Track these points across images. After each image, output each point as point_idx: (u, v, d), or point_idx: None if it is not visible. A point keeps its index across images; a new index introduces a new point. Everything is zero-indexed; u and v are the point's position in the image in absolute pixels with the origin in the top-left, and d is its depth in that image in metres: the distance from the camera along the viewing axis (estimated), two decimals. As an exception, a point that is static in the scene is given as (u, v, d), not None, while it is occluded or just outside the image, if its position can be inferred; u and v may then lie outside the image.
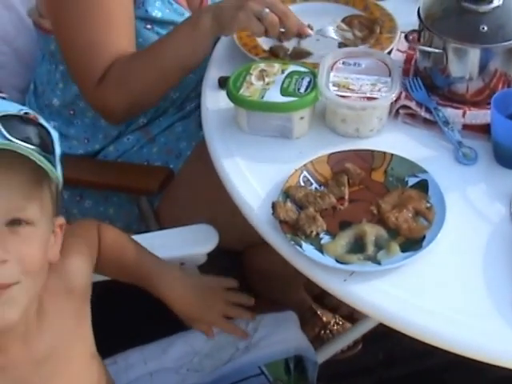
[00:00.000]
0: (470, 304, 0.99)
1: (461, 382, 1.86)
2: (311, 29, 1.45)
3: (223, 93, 1.33)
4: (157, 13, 1.47)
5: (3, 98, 0.98)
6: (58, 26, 1.42)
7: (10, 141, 0.87)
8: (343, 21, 1.50)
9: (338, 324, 1.92)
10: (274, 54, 1.42)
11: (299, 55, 1.41)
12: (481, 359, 0.94)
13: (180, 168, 1.56)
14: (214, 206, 1.46)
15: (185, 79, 1.50)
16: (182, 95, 1.61)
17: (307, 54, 1.42)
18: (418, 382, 1.85)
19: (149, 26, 1.48)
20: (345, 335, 1.85)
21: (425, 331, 0.97)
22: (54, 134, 0.95)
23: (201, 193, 1.54)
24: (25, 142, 0.88)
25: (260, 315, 1.36)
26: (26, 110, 0.94)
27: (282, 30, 1.35)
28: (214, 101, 1.36)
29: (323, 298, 1.93)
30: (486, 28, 1.22)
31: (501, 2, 1.23)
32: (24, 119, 0.91)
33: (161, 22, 1.49)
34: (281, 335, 1.34)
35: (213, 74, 1.42)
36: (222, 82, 1.37)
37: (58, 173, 0.94)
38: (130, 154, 1.59)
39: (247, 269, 1.73)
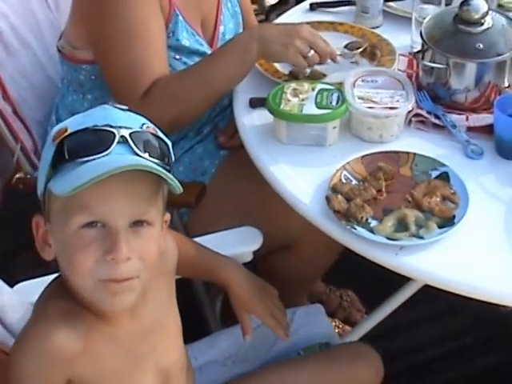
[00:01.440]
0: (497, 263, 1.28)
1: (452, 371, 2.14)
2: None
3: (255, 111, 1.61)
4: (186, 42, 1.72)
5: (124, 110, 1.10)
6: (102, 50, 1.66)
7: (140, 156, 1.02)
8: (347, 47, 1.80)
9: (338, 327, 2.18)
10: (293, 77, 1.70)
11: (316, 77, 1.70)
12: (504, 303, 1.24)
13: (207, 184, 1.80)
14: (240, 217, 1.69)
15: (210, 111, 1.77)
16: (200, 120, 1.86)
17: (322, 75, 1.71)
18: (414, 377, 2.12)
19: (178, 57, 1.73)
20: (346, 337, 2.10)
21: (464, 287, 1.26)
22: (169, 143, 1.12)
23: (228, 206, 1.78)
24: (151, 156, 1.03)
25: (293, 308, 1.62)
26: (145, 122, 1.09)
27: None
28: (249, 118, 1.63)
29: (322, 304, 2.19)
30: (481, 45, 1.54)
31: (491, 24, 1.55)
32: (148, 133, 1.06)
33: (188, 52, 1.73)
34: (313, 324, 1.60)
35: (241, 96, 1.69)
36: (254, 102, 1.65)
37: (175, 180, 1.08)
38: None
39: (262, 273, 1.98)
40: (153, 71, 1.63)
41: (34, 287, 1.36)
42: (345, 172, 1.44)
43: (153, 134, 1.07)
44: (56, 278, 1.16)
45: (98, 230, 1.02)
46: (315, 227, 1.54)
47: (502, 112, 1.46)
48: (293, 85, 1.57)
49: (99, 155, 1.01)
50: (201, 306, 1.85)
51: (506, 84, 1.60)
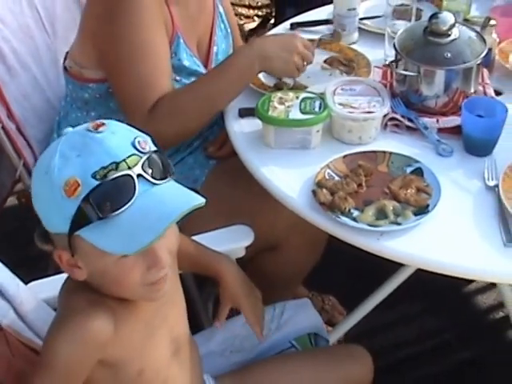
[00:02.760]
0: (467, 244, 1.49)
1: (430, 367, 2.32)
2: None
3: (244, 120, 1.82)
4: (186, 62, 1.92)
5: (103, 131, 1.17)
6: (114, 69, 1.84)
7: (159, 183, 1.15)
8: (326, 62, 2.03)
9: (322, 329, 2.37)
10: (278, 89, 1.91)
11: (298, 88, 1.92)
12: (479, 279, 1.44)
13: (198, 190, 1.99)
14: (230, 219, 1.85)
15: None
16: (194, 136, 2.06)
17: (304, 87, 1.93)
18: (393, 373, 2.29)
19: (178, 78, 1.91)
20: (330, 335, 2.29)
21: (438, 264, 1.46)
22: (158, 147, 1.21)
23: (218, 209, 1.95)
24: (167, 177, 1.18)
25: (283, 302, 1.80)
26: (136, 136, 1.18)
27: None
28: (238, 126, 1.84)
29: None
30: (449, 55, 1.76)
31: (457, 36, 1.78)
32: (149, 154, 1.16)
33: (188, 73, 1.93)
34: (303, 315, 1.78)
35: (231, 107, 1.90)
36: (243, 112, 1.86)
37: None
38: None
39: (250, 274, 2.15)
40: (159, 88, 1.81)
41: (45, 285, 1.57)
42: (328, 170, 1.65)
43: (151, 151, 1.18)
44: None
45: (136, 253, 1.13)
46: (300, 229, 1.75)
47: (469, 113, 1.68)
48: (279, 94, 1.78)
49: (129, 203, 1.12)
50: (193, 305, 2.02)
51: (473, 90, 1.82)
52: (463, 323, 2.43)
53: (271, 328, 1.71)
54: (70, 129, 1.19)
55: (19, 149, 2.01)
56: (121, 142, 1.16)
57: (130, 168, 1.13)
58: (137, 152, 1.15)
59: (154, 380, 1.36)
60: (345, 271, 2.47)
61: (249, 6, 4.23)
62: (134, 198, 1.12)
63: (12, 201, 2.30)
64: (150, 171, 1.15)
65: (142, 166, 1.14)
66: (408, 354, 2.34)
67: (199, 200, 1.17)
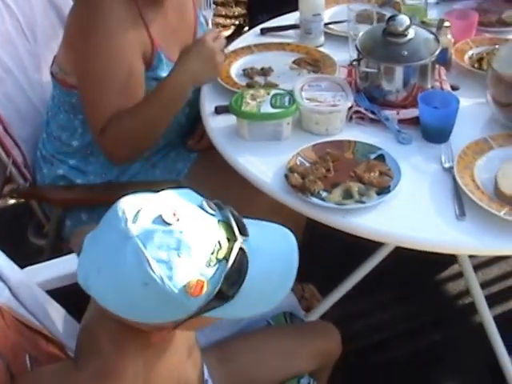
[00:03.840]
0: (424, 220, 1.69)
1: (402, 349, 2.53)
2: (272, 70, 2.19)
3: (220, 116, 2.03)
4: (163, 73, 2.11)
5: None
6: (79, 82, 2.07)
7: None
8: (294, 63, 2.25)
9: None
10: (250, 87, 2.13)
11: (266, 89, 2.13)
12: (435, 250, 1.65)
13: (182, 181, 2.21)
14: None
15: (178, 123, 2.19)
16: (175, 134, 2.27)
17: (274, 85, 2.14)
18: (368, 356, 2.51)
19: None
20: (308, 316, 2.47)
21: (399, 238, 1.67)
22: None
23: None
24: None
25: None
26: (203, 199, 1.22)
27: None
28: (215, 122, 2.05)
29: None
30: (406, 53, 1.99)
31: (413, 36, 2.01)
32: (214, 211, 1.21)
33: None
34: None
35: (207, 105, 2.11)
36: (219, 109, 2.07)
37: None
38: (138, 177, 2.23)
39: None
40: (113, 109, 2.02)
41: (39, 270, 1.76)
42: (299, 157, 1.86)
43: (217, 208, 1.23)
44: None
45: None
46: (278, 210, 1.96)
47: (425, 105, 1.91)
48: (251, 91, 2.00)
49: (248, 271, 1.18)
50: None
51: (429, 85, 2.05)
52: (433, 309, 2.64)
53: (249, 307, 1.90)
54: (135, 231, 1.14)
55: (8, 148, 2.18)
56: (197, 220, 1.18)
57: (234, 240, 1.16)
58: (210, 215, 1.18)
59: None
60: (323, 261, 2.68)
61: (225, 16, 4.50)
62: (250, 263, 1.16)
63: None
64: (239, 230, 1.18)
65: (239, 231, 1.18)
66: (381, 338, 2.54)
67: (290, 235, 1.24)
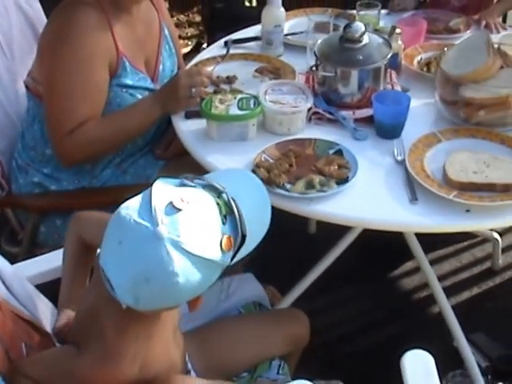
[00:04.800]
0: (379, 204, 1.91)
1: (364, 341, 2.75)
2: (236, 78, 2.41)
3: (190, 121, 2.24)
4: (129, 81, 2.32)
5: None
6: (46, 87, 2.26)
7: None
8: (257, 71, 2.48)
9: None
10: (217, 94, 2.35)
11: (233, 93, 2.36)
12: (391, 229, 1.88)
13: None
14: None
15: (147, 131, 2.40)
16: (145, 141, 2.47)
17: (238, 92, 2.37)
18: (332, 348, 2.70)
19: (124, 90, 2.32)
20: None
21: (356, 220, 1.91)
22: None
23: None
24: None
25: (229, 277, 2.15)
26: (183, 185, 1.38)
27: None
28: (186, 126, 2.26)
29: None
30: (361, 57, 2.22)
31: (368, 41, 2.24)
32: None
33: (132, 87, 2.34)
34: (248, 287, 2.16)
35: (177, 111, 2.32)
36: (189, 114, 2.28)
37: None
38: (110, 183, 2.43)
39: None
40: (80, 116, 2.23)
41: (27, 266, 1.96)
42: (264, 155, 2.07)
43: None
44: None
45: None
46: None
47: (379, 103, 2.14)
48: (219, 96, 2.21)
49: None
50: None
51: (382, 87, 2.28)
52: (392, 303, 2.87)
53: (221, 298, 2.09)
54: (163, 231, 1.29)
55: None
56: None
57: (221, 195, 1.39)
58: (195, 187, 1.40)
59: (164, 367, 1.59)
60: (283, 263, 2.89)
61: (179, 37, 4.73)
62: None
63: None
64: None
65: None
66: (345, 331, 2.75)
67: (249, 173, 1.61)
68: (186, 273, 1.30)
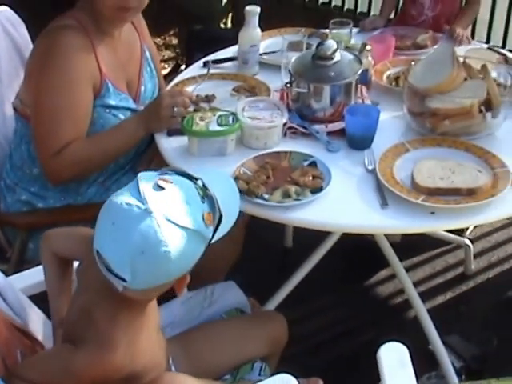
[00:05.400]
0: (353, 210, 2.06)
1: (341, 348, 2.88)
2: (215, 97, 2.56)
3: (172, 138, 2.38)
4: (112, 102, 2.46)
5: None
6: (34, 110, 2.39)
7: None
8: (234, 90, 2.63)
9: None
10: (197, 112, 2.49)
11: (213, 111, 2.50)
12: (364, 232, 2.05)
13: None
14: None
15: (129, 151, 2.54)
16: (126, 160, 2.61)
17: (217, 110, 2.51)
18: (309, 355, 2.82)
19: (107, 111, 2.46)
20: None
21: (330, 226, 2.07)
22: None
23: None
24: None
25: (212, 285, 2.27)
26: (163, 174, 1.57)
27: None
28: (168, 143, 2.40)
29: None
30: (333, 73, 2.37)
31: (339, 58, 2.39)
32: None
33: (115, 107, 2.48)
34: (230, 294, 2.27)
35: (160, 129, 2.47)
36: (170, 132, 2.42)
37: None
38: (94, 200, 2.55)
39: None
40: (67, 137, 2.36)
41: (20, 278, 2.06)
42: (242, 168, 2.21)
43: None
44: None
45: None
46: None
47: (350, 117, 2.29)
48: (199, 114, 2.35)
49: None
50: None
51: (353, 102, 2.43)
52: (369, 309, 3.01)
53: (204, 306, 2.21)
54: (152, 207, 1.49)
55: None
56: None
57: (197, 180, 1.58)
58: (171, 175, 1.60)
59: (150, 362, 1.71)
60: (262, 275, 3.03)
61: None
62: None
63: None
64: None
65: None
66: (323, 338, 2.89)
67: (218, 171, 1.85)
68: (175, 242, 1.47)
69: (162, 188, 1.50)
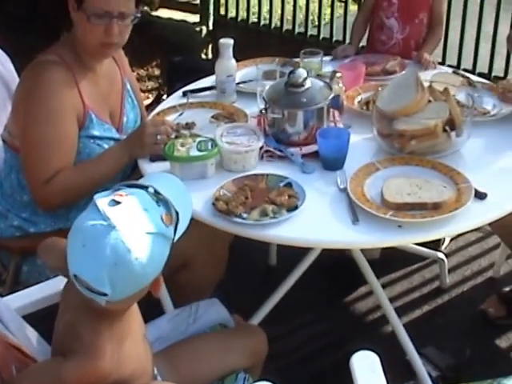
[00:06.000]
0: (327, 226, 2.21)
1: (322, 361, 3.03)
2: (195, 124, 2.72)
3: (155, 163, 2.54)
4: (96, 132, 2.61)
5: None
6: (23, 141, 2.53)
7: None
8: (213, 117, 2.79)
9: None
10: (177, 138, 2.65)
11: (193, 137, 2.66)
12: (337, 247, 2.22)
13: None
14: None
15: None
16: (112, 183, 2.76)
17: (197, 136, 2.67)
18: (293, 369, 2.96)
19: (92, 141, 2.61)
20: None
21: (305, 241, 2.20)
22: None
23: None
24: None
25: (197, 302, 2.41)
26: (117, 190, 1.67)
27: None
28: (150, 168, 2.55)
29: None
30: (305, 99, 2.54)
31: (310, 85, 2.56)
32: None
33: (99, 138, 2.63)
34: (214, 311, 2.41)
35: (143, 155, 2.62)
36: (153, 158, 2.58)
37: None
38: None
39: (170, 289, 2.66)
40: (55, 164, 2.51)
41: (15, 299, 2.20)
42: (222, 190, 2.36)
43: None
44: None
45: None
46: (205, 247, 2.45)
47: (323, 139, 2.45)
48: (180, 140, 2.50)
49: None
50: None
51: (325, 126, 2.59)
52: (348, 324, 3.15)
53: (189, 322, 2.35)
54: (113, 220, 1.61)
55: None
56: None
57: (148, 188, 1.71)
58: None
59: (137, 369, 1.82)
60: (246, 292, 3.17)
61: (140, 90, 5.08)
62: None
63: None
64: None
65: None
66: (305, 353, 3.03)
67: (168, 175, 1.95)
68: (143, 248, 1.60)
69: (119, 202, 1.62)
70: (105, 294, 1.62)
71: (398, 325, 2.82)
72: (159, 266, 1.67)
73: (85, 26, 2.49)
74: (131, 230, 1.60)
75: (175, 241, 1.70)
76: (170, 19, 5.74)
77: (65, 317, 1.82)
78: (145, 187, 1.71)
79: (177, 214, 1.70)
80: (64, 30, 2.58)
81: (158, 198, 1.69)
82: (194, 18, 5.69)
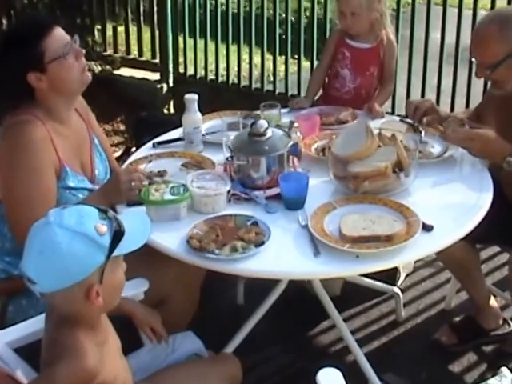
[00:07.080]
0: (291, 259, 2.48)
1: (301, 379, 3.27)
2: (166, 172, 2.99)
3: (131, 208, 2.80)
4: (71, 183, 2.84)
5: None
6: (5, 195, 2.76)
7: None
8: (183, 165, 3.06)
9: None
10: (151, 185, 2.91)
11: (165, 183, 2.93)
12: (300, 278, 2.53)
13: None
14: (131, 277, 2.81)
15: None
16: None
17: (170, 182, 2.93)
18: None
19: (68, 192, 2.83)
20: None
21: (272, 273, 2.50)
22: None
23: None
24: None
25: (174, 334, 2.68)
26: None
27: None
28: (127, 213, 2.81)
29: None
30: (267, 147, 2.83)
31: (271, 134, 2.86)
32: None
33: (74, 188, 2.86)
34: (189, 342, 2.65)
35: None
36: (130, 203, 2.84)
37: None
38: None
39: None
40: (36, 215, 2.49)
41: (6, 334, 2.42)
42: (195, 229, 2.62)
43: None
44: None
45: None
46: (180, 285, 2.70)
47: (284, 182, 2.74)
48: (154, 186, 2.76)
49: None
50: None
51: (286, 171, 2.89)
52: (313, 355, 3.40)
53: (168, 352, 2.59)
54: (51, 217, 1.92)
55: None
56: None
57: (107, 212, 1.96)
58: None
59: (119, 375, 2.06)
60: (216, 328, 3.41)
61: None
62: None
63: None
64: None
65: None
66: (279, 367, 3.31)
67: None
68: (66, 241, 1.85)
69: (65, 207, 1.92)
70: (34, 283, 1.87)
71: (359, 354, 3.09)
72: (86, 266, 1.87)
73: (62, 70, 2.75)
74: (61, 225, 1.86)
75: (123, 255, 1.97)
76: (131, 77, 6.01)
77: (48, 334, 2.05)
78: (103, 210, 1.95)
79: (121, 232, 1.92)
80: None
81: (106, 216, 1.92)
82: (155, 76, 5.95)
